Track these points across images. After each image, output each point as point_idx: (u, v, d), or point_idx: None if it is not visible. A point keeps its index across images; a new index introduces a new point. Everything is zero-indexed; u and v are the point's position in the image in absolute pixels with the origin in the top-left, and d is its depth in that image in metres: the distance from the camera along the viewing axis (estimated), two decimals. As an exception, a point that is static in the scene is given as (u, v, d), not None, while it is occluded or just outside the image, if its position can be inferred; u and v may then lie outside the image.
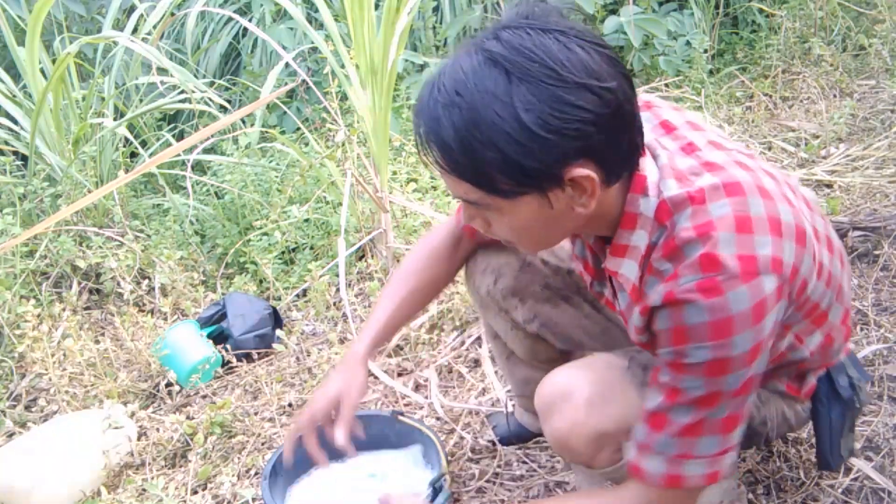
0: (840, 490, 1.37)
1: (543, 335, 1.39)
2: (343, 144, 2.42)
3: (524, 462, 1.58)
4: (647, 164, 0.96)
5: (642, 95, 1.08)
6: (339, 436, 1.24)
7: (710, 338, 0.89)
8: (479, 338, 1.98)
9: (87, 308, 2.41)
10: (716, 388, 0.92)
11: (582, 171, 0.88)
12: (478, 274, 1.39)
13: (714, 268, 0.88)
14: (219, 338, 2.10)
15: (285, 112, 3.19)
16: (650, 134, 1.01)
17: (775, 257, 0.90)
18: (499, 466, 1.58)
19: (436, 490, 1.27)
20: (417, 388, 1.87)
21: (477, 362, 1.92)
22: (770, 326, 0.92)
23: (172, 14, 2.94)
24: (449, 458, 1.48)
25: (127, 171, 2.72)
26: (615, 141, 0.89)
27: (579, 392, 1.07)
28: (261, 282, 2.43)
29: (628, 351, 1.16)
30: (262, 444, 1.75)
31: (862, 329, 1.77)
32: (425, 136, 0.90)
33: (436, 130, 0.88)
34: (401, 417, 1.49)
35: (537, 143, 0.85)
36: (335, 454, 1.50)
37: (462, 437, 1.67)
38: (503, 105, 0.84)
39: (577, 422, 1.06)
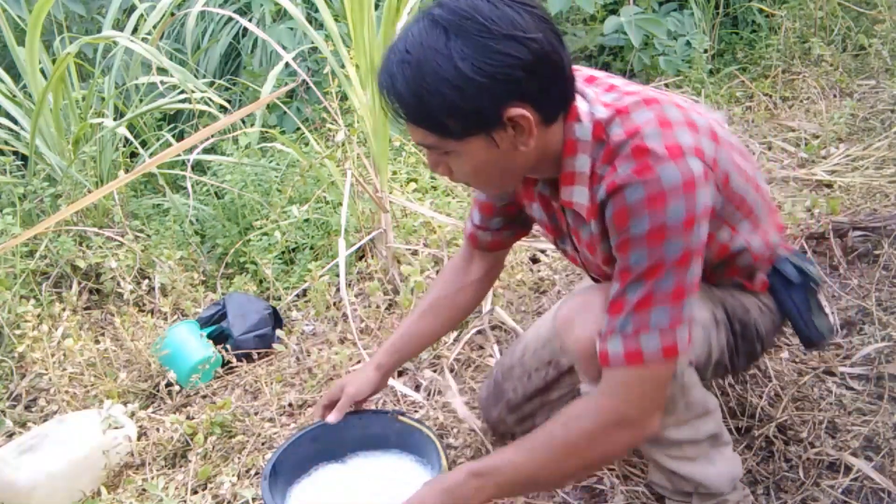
0: (840, 490, 1.37)
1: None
2: (343, 144, 2.42)
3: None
4: (578, 101, 1.12)
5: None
6: (331, 417, 1.45)
7: (647, 208, 1.03)
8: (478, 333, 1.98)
9: (87, 308, 2.41)
10: (658, 258, 1.04)
11: (517, 111, 1.03)
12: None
13: (644, 154, 1.04)
14: (219, 338, 2.10)
15: (285, 112, 3.19)
16: (579, 84, 1.16)
17: (696, 146, 1.06)
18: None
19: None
20: (417, 388, 1.87)
21: (474, 363, 1.92)
22: (702, 203, 1.05)
23: (172, 14, 2.94)
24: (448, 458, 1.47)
25: (127, 171, 2.73)
26: (546, 84, 1.05)
27: (596, 304, 1.17)
28: (261, 282, 2.43)
29: None
30: (262, 444, 1.75)
31: (869, 327, 1.78)
32: (386, 91, 1.06)
33: (393, 84, 1.04)
34: (401, 417, 1.49)
35: (473, 87, 1.00)
36: (335, 454, 1.51)
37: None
38: (444, 58, 1.00)
39: (598, 326, 1.13)
